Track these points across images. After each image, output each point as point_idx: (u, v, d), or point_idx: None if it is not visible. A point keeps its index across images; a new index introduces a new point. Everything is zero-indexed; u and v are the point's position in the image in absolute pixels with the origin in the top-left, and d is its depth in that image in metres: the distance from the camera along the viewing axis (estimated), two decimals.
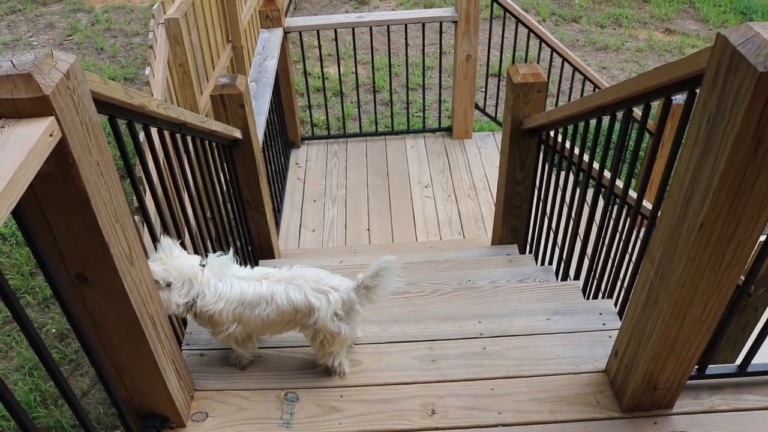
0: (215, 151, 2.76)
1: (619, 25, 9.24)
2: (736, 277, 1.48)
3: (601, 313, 2.15)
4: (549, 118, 2.70)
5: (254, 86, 3.68)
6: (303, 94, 6.39)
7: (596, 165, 2.81)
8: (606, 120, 2.24)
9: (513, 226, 3.46)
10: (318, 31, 4.61)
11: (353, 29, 4.62)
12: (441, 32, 4.80)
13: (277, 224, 4.21)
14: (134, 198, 1.92)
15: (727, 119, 1.22)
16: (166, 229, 2.25)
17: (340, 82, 5.10)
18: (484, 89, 5.77)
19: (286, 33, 4.42)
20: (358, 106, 5.28)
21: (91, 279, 1.40)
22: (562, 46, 4.80)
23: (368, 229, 4.21)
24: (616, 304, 2.24)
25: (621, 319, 2.16)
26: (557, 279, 2.84)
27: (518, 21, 4.70)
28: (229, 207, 3.03)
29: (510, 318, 2.12)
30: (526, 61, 5.53)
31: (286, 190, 4.55)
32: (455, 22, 4.57)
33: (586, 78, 4.93)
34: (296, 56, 7.36)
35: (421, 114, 5.67)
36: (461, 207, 4.40)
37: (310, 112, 5.24)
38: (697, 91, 1.62)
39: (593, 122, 2.38)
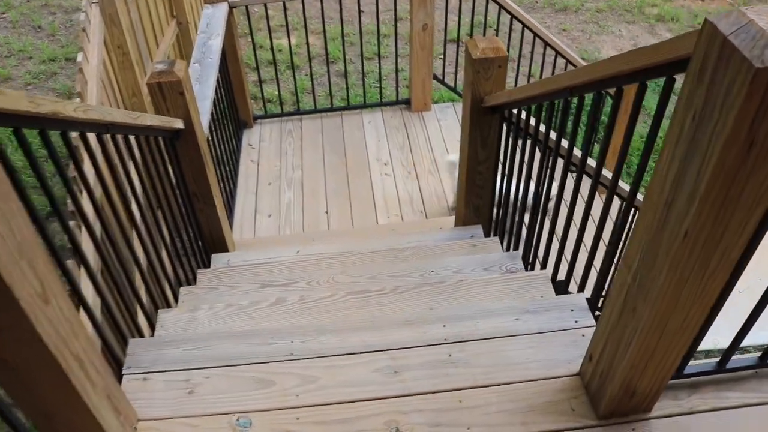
0: (154, 145, 2.56)
1: None
2: (720, 284, 1.36)
3: (572, 310, 2.02)
4: (511, 97, 2.54)
5: (198, 68, 3.45)
6: (255, 69, 6.15)
7: (565, 143, 2.67)
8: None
9: (476, 206, 3.32)
10: (266, 4, 4.37)
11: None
12: (390, 16, 4.58)
13: (231, 211, 4.02)
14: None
15: (716, 119, 1.07)
16: (107, 233, 2.07)
17: (291, 54, 4.86)
18: (442, 56, 5.59)
19: (231, 7, 4.17)
20: (312, 80, 5.06)
21: None
22: (522, 11, 4.62)
23: (326, 212, 4.03)
24: (589, 294, 2.12)
25: (593, 315, 2.03)
26: (525, 266, 2.72)
27: None
28: (175, 200, 2.84)
29: (476, 320, 1.98)
30: (485, 28, 5.36)
31: (239, 174, 4.35)
32: None
33: (546, 44, 4.78)
34: (246, 29, 7.07)
35: (378, 85, 5.47)
36: (422, 184, 4.25)
37: (261, 89, 5.00)
38: (676, 77, 1.49)
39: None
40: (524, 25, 4.62)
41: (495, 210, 3.30)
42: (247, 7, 4.35)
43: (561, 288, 2.43)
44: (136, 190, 2.35)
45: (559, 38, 7.75)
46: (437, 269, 2.62)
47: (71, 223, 1.98)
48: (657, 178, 1.30)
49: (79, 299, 1.78)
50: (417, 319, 2.02)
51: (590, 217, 2.08)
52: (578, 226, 2.13)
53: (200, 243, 3.17)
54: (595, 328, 1.72)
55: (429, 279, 2.51)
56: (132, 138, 2.32)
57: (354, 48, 6.83)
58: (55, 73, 6.65)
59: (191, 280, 2.90)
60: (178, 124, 2.70)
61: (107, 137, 1.99)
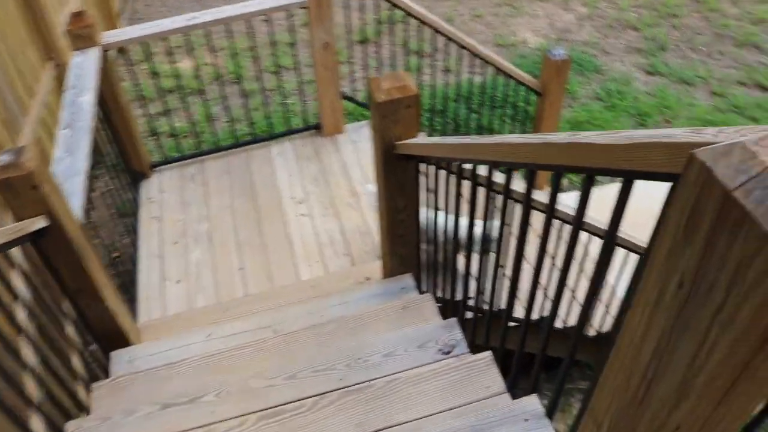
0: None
1: None
2: None
3: (527, 419, 1.69)
4: (425, 151, 2.19)
5: (68, 134, 2.98)
6: (151, 100, 5.64)
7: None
8: None
9: (401, 255, 2.98)
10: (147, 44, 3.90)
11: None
12: (292, 22, 4.16)
13: (134, 283, 3.57)
14: None
15: (720, 302, 0.74)
16: None
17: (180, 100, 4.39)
18: (351, 60, 5.20)
19: (105, 50, 3.69)
20: (206, 117, 4.60)
21: None
22: (423, 11, 4.23)
23: (241, 269, 3.62)
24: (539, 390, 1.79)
25: (552, 420, 1.71)
26: (461, 326, 2.39)
27: None
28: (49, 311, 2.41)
29: None
30: (392, 24, 4.96)
31: (140, 236, 3.88)
32: (306, 8, 3.96)
33: (459, 45, 4.44)
34: (137, 55, 6.50)
35: (286, 102, 5.05)
36: (344, 220, 3.88)
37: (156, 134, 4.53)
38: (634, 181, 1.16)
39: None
40: (434, 29, 4.27)
41: (425, 255, 2.98)
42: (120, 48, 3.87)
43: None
44: None
45: (474, 25, 7.44)
46: (365, 354, 2.27)
47: None
48: (628, 334, 0.96)
49: None
50: None
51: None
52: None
53: (95, 344, 2.74)
54: None
55: (356, 372, 2.15)
56: None
57: (256, 64, 6.37)
58: None
59: (83, 402, 2.47)
60: (38, 223, 2.25)
61: None
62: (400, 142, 2.43)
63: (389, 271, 3.06)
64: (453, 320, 2.40)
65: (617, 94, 6.12)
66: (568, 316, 3.52)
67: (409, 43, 4.59)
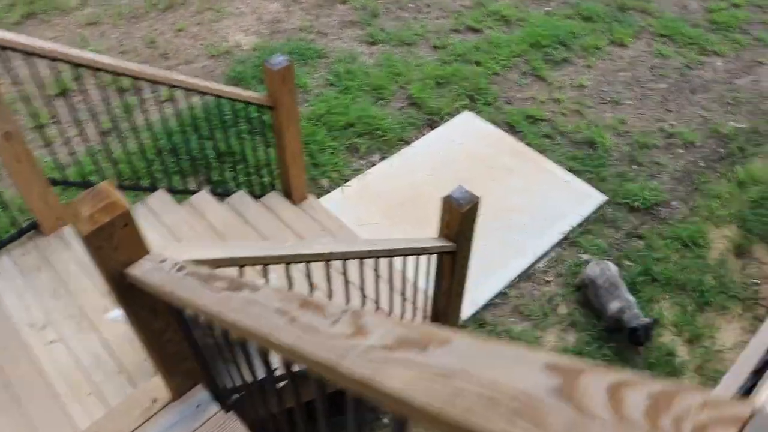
0: None
1: None
2: None
3: None
4: (166, 298, 1.72)
5: None
6: None
7: None
8: None
9: (186, 370, 2.50)
10: None
11: None
12: None
13: None
14: None
15: None
16: None
17: None
18: (53, 119, 4.46)
19: None
20: None
21: None
22: (108, 59, 3.64)
23: None
24: None
25: None
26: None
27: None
28: None
29: None
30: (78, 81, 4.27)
31: None
32: None
33: (165, 84, 3.91)
34: None
35: None
36: (104, 331, 3.26)
37: None
38: None
39: None
40: (133, 76, 3.70)
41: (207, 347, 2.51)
42: None
43: None
44: None
45: (179, 41, 6.80)
46: None
47: None
48: None
49: None
50: None
51: None
52: None
53: None
54: None
55: None
56: None
57: None
58: None
59: None
60: None
61: None
62: (129, 272, 1.93)
63: (176, 391, 2.56)
64: None
65: (347, 75, 5.89)
66: None
67: (117, 81, 3.98)
